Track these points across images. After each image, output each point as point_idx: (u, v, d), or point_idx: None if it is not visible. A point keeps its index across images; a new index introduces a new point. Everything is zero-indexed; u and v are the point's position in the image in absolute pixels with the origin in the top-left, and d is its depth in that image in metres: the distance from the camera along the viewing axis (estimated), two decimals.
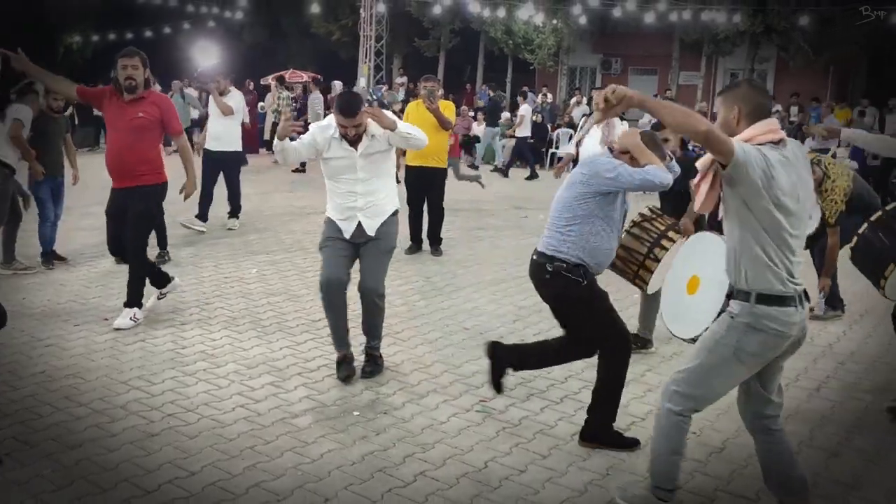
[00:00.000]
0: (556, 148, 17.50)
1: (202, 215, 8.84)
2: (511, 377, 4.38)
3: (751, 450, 3.38)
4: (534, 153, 16.94)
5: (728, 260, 3.05)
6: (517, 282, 7.16)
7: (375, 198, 4.63)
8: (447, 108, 8.14)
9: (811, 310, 5.81)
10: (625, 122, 8.56)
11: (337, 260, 4.59)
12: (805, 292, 3.03)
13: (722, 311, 3.18)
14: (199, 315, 5.84)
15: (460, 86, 26.59)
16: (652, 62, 27.41)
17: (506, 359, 4.16)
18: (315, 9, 27.32)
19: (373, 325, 4.78)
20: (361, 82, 23.42)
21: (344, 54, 29.16)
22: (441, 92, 8.25)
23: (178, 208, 7.76)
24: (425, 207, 8.27)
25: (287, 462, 3.65)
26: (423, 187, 8.16)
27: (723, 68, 26.43)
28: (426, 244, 8.34)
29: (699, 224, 5.16)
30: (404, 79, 23.02)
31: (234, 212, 9.32)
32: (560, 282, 3.83)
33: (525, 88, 20.86)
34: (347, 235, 4.62)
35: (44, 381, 4.47)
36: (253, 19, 31.67)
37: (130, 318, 5.46)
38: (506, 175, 15.91)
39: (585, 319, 3.92)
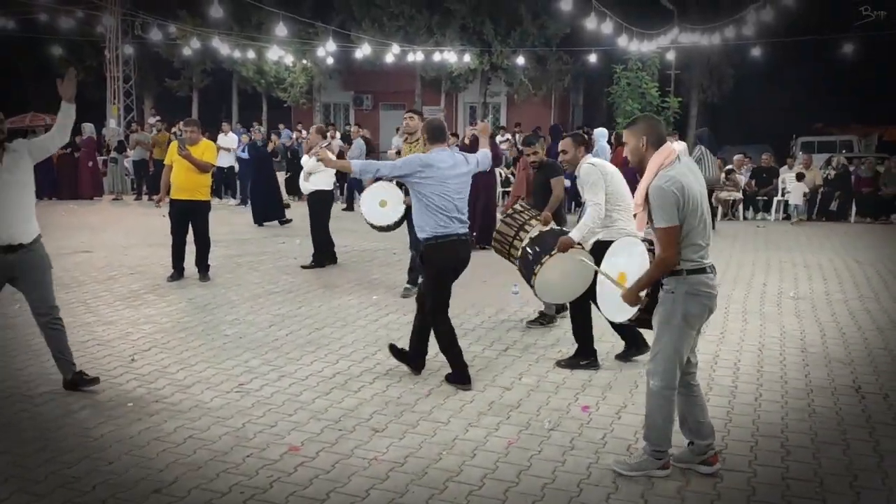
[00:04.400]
0: None
1: None
2: (246, 369, 5.37)
3: None
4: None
5: None
6: (273, 296, 8.16)
7: None
8: (208, 148, 8.88)
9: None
10: (337, 140, 9.88)
11: None
12: (713, 265, 3.87)
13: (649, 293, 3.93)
14: None
15: (216, 124, 27.00)
16: (399, 98, 29.66)
17: (400, 353, 5.62)
18: (56, 50, 26.47)
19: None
20: (111, 123, 23.11)
21: (90, 96, 28.35)
22: (198, 133, 8.89)
23: None
24: (189, 238, 8.93)
25: (72, 442, 4.38)
26: (186, 219, 8.80)
27: (462, 102, 29.27)
28: (190, 272, 9.01)
29: (558, 215, 6.53)
30: (157, 118, 23.08)
31: None
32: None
33: (280, 125, 21.87)
34: None
35: None
36: None
37: None
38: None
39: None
